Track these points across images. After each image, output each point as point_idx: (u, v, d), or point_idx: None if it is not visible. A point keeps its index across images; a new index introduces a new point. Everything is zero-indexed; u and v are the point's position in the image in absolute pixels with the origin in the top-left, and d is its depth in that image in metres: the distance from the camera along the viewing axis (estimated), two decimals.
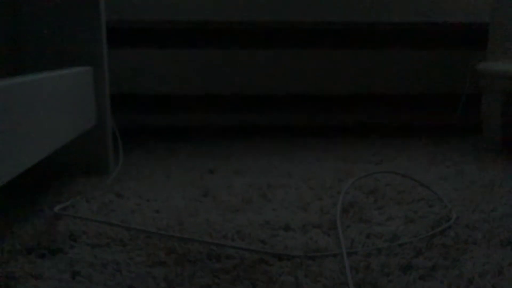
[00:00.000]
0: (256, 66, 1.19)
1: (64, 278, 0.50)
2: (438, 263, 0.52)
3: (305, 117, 1.24)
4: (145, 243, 0.57)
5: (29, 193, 0.75)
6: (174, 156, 1.02)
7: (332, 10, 1.18)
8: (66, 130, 0.71)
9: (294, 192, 0.76)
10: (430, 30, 1.20)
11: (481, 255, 0.54)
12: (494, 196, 0.74)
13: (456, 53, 1.21)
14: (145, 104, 1.20)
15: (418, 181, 0.79)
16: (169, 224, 0.63)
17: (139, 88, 1.18)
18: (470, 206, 0.70)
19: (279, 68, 1.20)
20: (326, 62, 1.20)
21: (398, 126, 1.24)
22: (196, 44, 1.18)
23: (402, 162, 0.96)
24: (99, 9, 0.83)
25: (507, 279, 0.49)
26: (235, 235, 0.60)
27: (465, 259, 0.53)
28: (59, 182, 0.80)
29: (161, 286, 0.48)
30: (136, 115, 1.20)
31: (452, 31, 1.21)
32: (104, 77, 0.85)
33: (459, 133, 1.20)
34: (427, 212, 0.67)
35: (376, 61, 1.21)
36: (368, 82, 1.22)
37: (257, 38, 1.19)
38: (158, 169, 0.91)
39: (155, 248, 0.56)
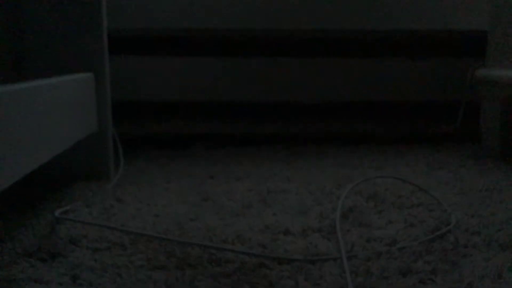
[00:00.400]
0: (256, 74, 1.20)
1: (65, 282, 0.50)
2: (438, 267, 0.52)
3: (305, 124, 1.24)
4: (146, 247, 0.58)
5: (30, 197, 0.75)
6: (174, 163, 1.02)
7: (331, 18, 1.19)
8: (67, 136, 0.71)
9: (294, 197, 0.77)
10: (428, 38, 1.21)
11: (480, 259, 0.55)
12: (493, 201, 0.74)
13: (455, 61, 1.22)
14: (146, 111, 1.20)
15: (417, 186, 0.80)
16: (169, 228, 0.63)
17: (140, 95, 1.19)
18: (469, 210, 0.70)
19: (280, 76, 1.21)
20: (325, 70, 1.21)
21: (397, 133, 1.24)
22: (197, 52, 1.19)
23: (401, 168, 0.97)
24: (101, 16, 0.83)
25: (506, 283, 0.49)
26: (235, 240, 0.60)
27: (464, 263, 0.54)
28: (60, 187, 0.80)
29: None
30: (137, 122, 1.20)
31: (451, 39, 1.22)
32: (106, 84, 0.86)
33: (458, 140, 1.21)
34: (427, 217, 0.67)
35: (375, 69, 1.22)
36: (367, 90, 1.23)
37: (258, 46, 1.19)
38: (158, 175, 0.91)
39: (156, 252, 0.56)
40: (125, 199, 0.75)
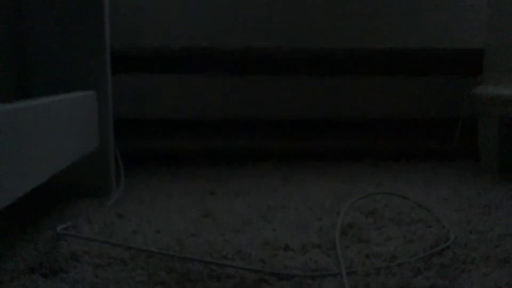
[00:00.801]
0: (256, 91, 1.22)
1: None
2: (437, 283, 0.53)
3: (304, 141, 1.25)
4: (146, 262, 0.58)
5: (31, 214, 0.76)
6: (175, 179, 1.03)
7: (329, 37, 1.21)
8: (69, 153, 0.72)
9: (294, 213, 0.77)
10: (426, 56, 1.23)
11: (479, 274, 0.55)
12: (491, 217, 0.75)
13: (452, 78, 1.24)
14: (146, 128, 1.21)
15: (416, 203, 0.80)
16: (169, 244, 0.63)
17: (141, 112, 1.20)
18: (468, 227, 0.71)
19: (280, 93, 1.22)
20: (324, 88, 1.23)
21: (395, 151, 1.25)
22: (197, 70, 1.20)
23: (400, 184, 0.97)
24: (103, 35, 0.85)
25: None
26: (235, 255, 0.60)
27: (463, 279, 0.54)
28: (62, 204, 0.81)
29: None
30: (138, 139, 1.21)
31: (448, 57, 1.23)
32: (108, 102, 0.87)
33: (456, 157, 1.22)
34: (426, 233, 0.68)
35: (372, 86, 1.23)
36: (366, 107, 1.24)
37: (257, 64, 1.21)
38: (159, 191, 0.92)
39: (156, 268, 0.56)
40: (126, 215, 0.76)
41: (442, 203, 0.83)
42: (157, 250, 0.61)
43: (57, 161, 0.67)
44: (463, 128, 1.21)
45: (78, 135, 0.76)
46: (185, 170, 1.11)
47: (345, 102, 1.23)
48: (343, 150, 1.25)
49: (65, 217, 0.74)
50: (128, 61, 1.18)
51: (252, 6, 1.19)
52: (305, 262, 0.58)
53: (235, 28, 1.19)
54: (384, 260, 0.59)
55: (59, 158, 0.68)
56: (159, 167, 1.15)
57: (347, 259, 0.59)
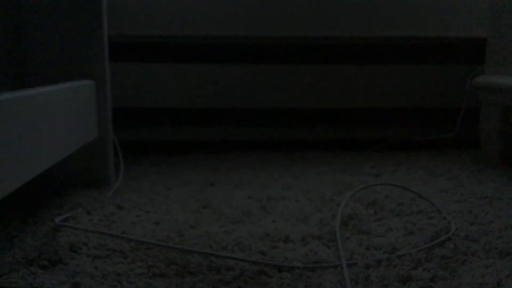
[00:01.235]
0: (256, 81, 1.21)
1: None
2: (437, 275, 0.53)
3: (304, 131, 1.24)
4: (146, 254, 0.58)
5: (30, 204, 0.75)
6: (174, 170, 1.03)
7: (333, 25, 1.20)
8: (68, 143, 0.72)
9: (294, 205, 0.77)
10: (428, 44, 1.22)
11: (480, 266, 0.55)
12: (492, 209, 0.75)
13: (454, 67, 1.23)
14: (146, 118, 1.21)
15: (417, 193, 0.80)
16: (169, 236, 0.63)
17: (140, 102, 1.19)
18: (469, 218, 0.70)
19: (280, 82, 1.21)
20: (325, 77, 1.22)
21: (397, 140, 1.25)
22: (197, 59, 1.19)
23: (401, 175, 0.97)
24: (101, 24, 0.84)
25: None
26: (235, 247, 0.60)
27: (464, 271, 0.54)
28: (60, 194, 0.81)
29: None
30: (138, 129, 1.21)
31: (450, 46, 1.22)
32: (106, 91, 0.87)
33: (457, 146, 1.21)
34: (426, 224, 0.67)
35: (374, 76, 1.22)
36: (367, 97, 1.23)
37: (258, 52, 1.20)
38: (158, 182, 0.91)
39: (156, 260, 0.56)
40: (125, 206, 0.75)
41: (443, 194, 0.83)
42: (157, 242, 0.60)
43: (55, 152, 0.66)
44: (464, 117, 1.20)
45: (76, 125, 0.75)
46: (184, 161, 1.11)
47: (345, 92, 1.23)
48: (343, 140, 1.25)
49: (64, 208, 0.74)
50: (126, 50, 1.17)
51: None
52: (305, 254, 0.58)
53: (234, 17, 1.18)
54: (384, 252, 0.59)
55: (58, 148, 0.67)
56: (158, 157, 1.14)
57: (348, 251, 0.59)
